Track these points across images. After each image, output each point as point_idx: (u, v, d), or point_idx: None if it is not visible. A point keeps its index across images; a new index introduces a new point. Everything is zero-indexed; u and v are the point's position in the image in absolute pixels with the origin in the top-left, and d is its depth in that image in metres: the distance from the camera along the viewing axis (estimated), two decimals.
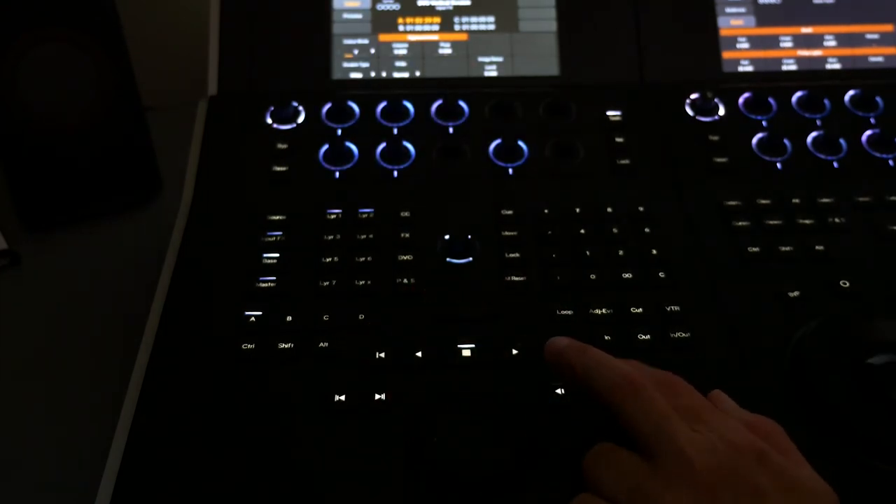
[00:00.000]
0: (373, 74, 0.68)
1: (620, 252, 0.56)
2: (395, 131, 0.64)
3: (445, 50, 0.69)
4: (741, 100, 0.67)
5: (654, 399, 0.39)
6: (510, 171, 0.62)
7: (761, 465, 0.37)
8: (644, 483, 0.37)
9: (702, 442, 0.37)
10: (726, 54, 0.69)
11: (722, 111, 0.66)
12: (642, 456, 0.38)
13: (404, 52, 0.69)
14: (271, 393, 0.47)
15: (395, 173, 0.62)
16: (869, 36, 0.70)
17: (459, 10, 0.70)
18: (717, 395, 0.43)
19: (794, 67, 0.70)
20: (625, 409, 0.39)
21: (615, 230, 0.57)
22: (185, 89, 0.72)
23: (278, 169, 0.62)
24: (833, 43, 0.70)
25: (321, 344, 0.49)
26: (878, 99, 0.66)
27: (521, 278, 0.54)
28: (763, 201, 0.60)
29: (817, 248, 0.56)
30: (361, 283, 0.53)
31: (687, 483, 0.36)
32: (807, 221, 0.58)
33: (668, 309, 0.52)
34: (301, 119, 0.65)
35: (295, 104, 0.65)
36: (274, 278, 0.53)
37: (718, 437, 0.38)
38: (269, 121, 0.65)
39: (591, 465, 0.39)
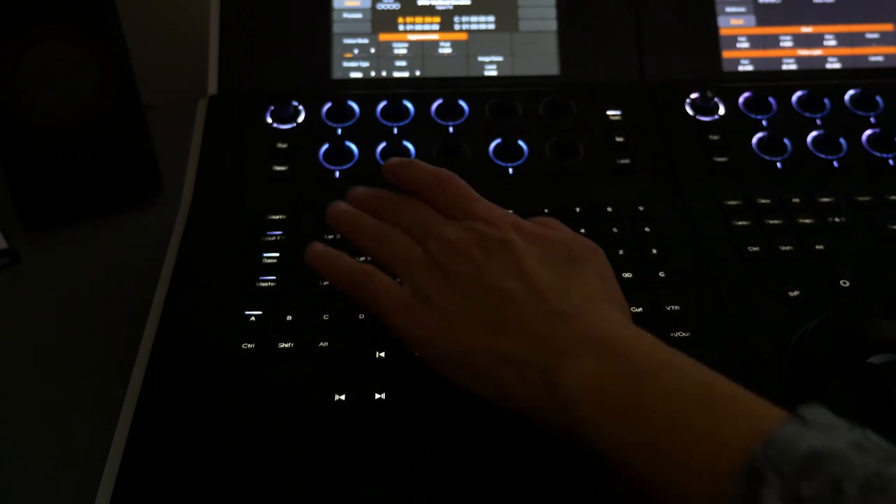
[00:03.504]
0: (373, 74, 0.68)
1: (620, 251, 0.56)
2: (395, 131, 0.64)
3: (445, 49, 0.69)
4: (741, 99, 0.67)
5: (403, 241, 0.46)
6: (510, 170, 0.62)
7: (517, 231, 0.45)
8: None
9: (459, 228, 0.45)
10: (726, 54, 0.69)
11: (722, 110, 0.66)
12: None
13: (404, 51, 0.69)
14: (271, 393, 0.47)
15: None
16: (869, 35, 0.70)
17: (459, 10, 0.70)
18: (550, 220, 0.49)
19: (794, 67, 0.70)
20: (381, 255, 0.47)
21: (615, 229, 0.57)
22: (185, 89, 0.72)
23: (278, 168, 0.62)
24: (833, 42, 0.70)
25: (321, 344, 0.49)
26: (879, 98, 0.66)
27: None
28: (763, 201, 0.60)
29: (817, 247, 0.56)
30: None
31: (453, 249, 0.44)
32: (807, 221, 0.58)
33: (668, 309, 0.52)
34: (301, 118, 0.65)
35: (295, 103, 0.65)
36: (274, 278, 0.53)
37: (480, 219, 0.45)
38: (269, 120, 0.65)
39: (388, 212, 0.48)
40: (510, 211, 0.48)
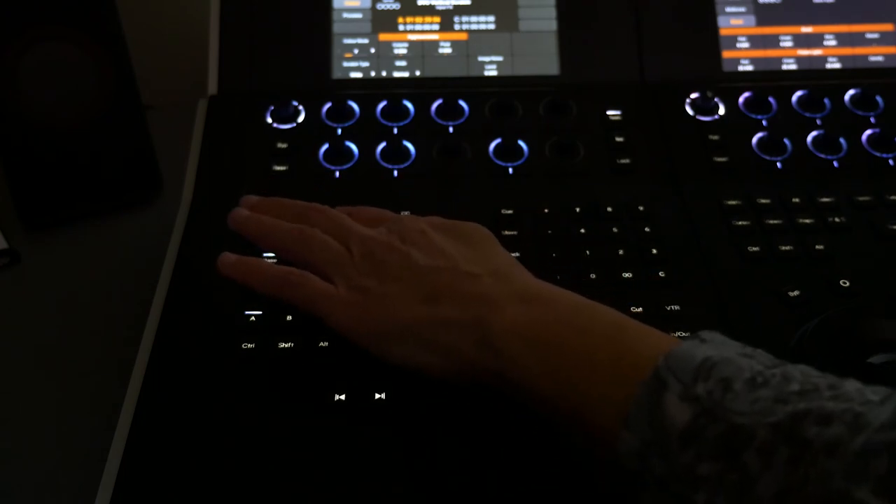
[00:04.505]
0: (373, 74, 0.68)
1: (620, 251, 0.56)
2: (395, 131, 0.64)
3: (445, 49, 0.69)
4: (741, 99, 0.67)
5: (327, 241, 0.48)
6: (510, 170, 0.62)
7: (428, 228, 0.48)
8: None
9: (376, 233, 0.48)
10: (726, 54, 0.69)
11: (722, 110, 0.66)
12: None
13: (404, 51, 0.69)
14: (271, 393, 0.47)
15: (395, 173, 0.62)
16: (869, 35, 0.70)
17: (459, 10, 0.70)
18: None
19: (794, 67, 0.70)
20: (306, 256, 0.48)
21: (615, 229, 0.57)
22: (185, 89, 0.72)
23: (278, 168, 0.62)
24: (833, 42, 0.70)
25: (321, 343, 0.49)
26: (878, 98, 0.66)
27: None
28: (763, 201, 0.60)
29: (817, 247, 0.56)
30: None
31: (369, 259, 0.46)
32: (807, 221, 0.58)
33: (668, 309, 0.52)
34: (301, 118, 0.65)
35: (295, 103, 0.65)
36: None
37: (388, 221, 0.49)
38: (269, 120, 0.65)
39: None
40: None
